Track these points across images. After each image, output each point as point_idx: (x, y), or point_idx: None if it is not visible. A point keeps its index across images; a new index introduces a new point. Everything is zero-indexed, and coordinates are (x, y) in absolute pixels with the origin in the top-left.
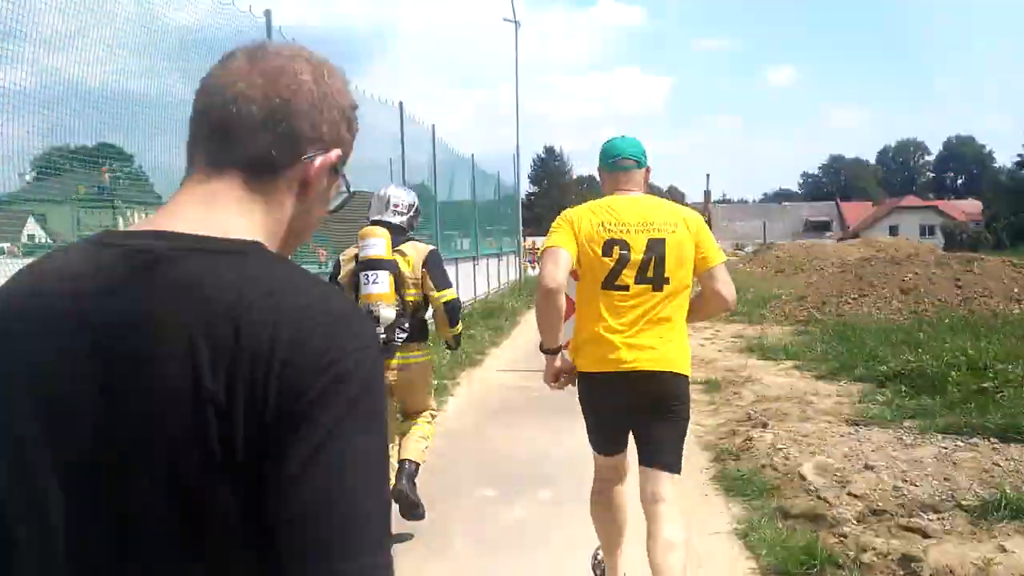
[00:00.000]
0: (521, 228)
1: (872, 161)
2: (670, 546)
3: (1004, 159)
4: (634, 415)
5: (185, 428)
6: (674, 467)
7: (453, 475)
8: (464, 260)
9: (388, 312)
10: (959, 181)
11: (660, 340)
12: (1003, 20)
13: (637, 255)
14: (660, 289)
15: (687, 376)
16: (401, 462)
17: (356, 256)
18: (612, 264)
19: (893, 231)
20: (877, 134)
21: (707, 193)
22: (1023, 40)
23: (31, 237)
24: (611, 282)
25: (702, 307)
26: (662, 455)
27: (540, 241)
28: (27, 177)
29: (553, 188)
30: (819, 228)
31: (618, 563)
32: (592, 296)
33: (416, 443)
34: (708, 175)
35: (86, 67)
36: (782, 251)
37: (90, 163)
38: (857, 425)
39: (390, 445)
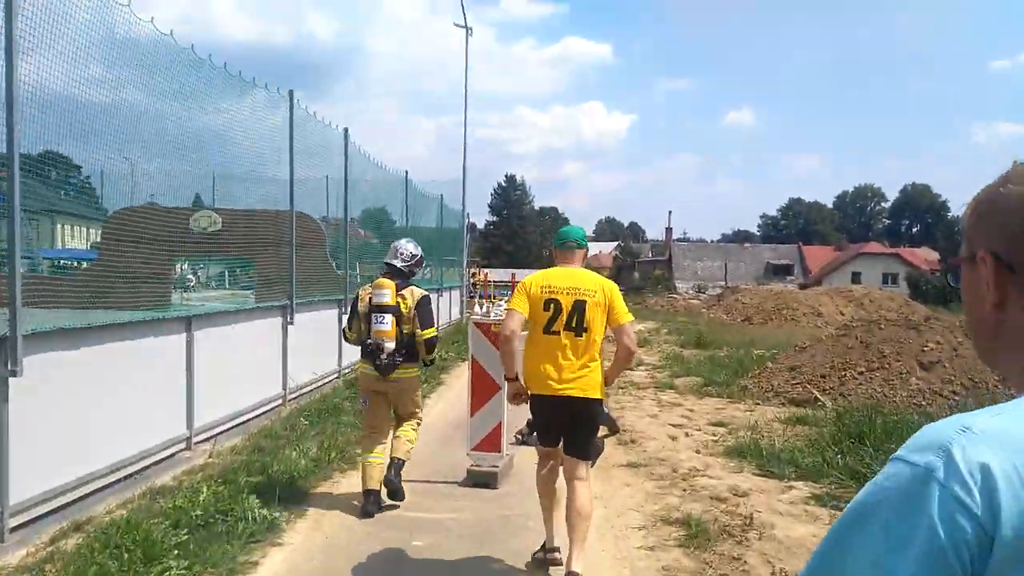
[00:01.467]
0: (466, 259)
1: (830, 205)
2: (581, 507)
3: (958, 209)
4: (563, 422)
5: None
6: (587, 456)
7: None
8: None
9: (390, 344)
10: (914, 229)
11: (581, 374)
12: (960, 70)
13: (565, 310)
14: (580, 336)
15: (600, 398)
16: (392, 459)
17: (370, 297)
18: (549, 316)
19: (856, 278)
20: (835, 179)
21: (668, 230)
22: (981, 94)
23: None
24: (548, 328)
25: (616, 356)
26: (579, 450)
27: (496, 275)
28: None
29: (513, 218)
30: (780, 272)
31: (553, 524)
32: (536, 339)
33: (403, 445)
34: (670, 212)
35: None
36: (748, 296)
37: (31, 172)
38: None
39: (382, 442)
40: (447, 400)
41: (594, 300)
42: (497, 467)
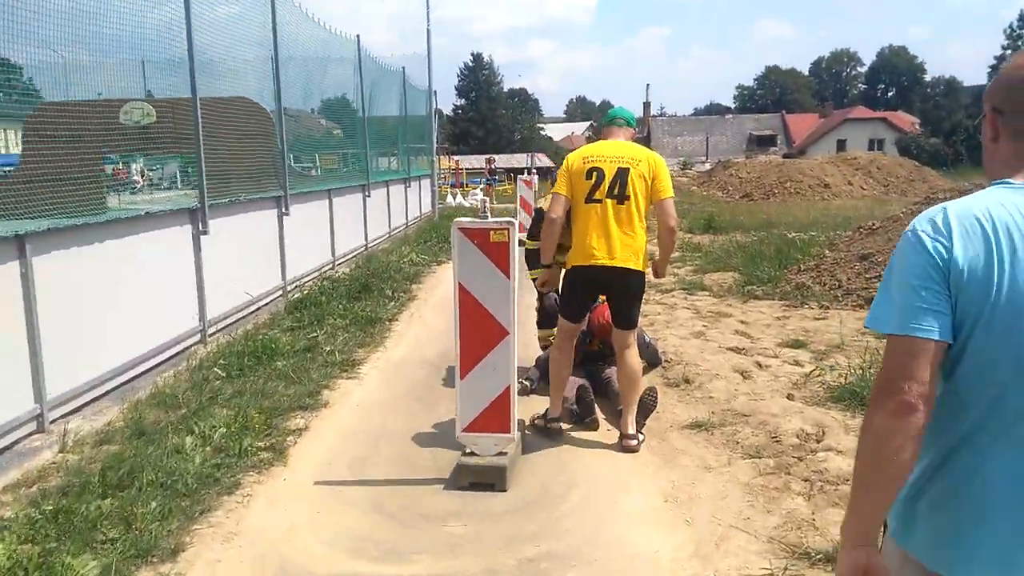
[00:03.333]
0: (435, 144)
1: (806, 73)
2: (632, 372)
3: (936, 70)
4: (602, 293)
5: None
6: (634, 325)
7: None
8: (346, 191)
9: None
10: (890, 93)
11: (623, 245)
12: None
13: (608, 177)
14: (623, 203)
15: (642, 271)
16: None
17: None
18: (591, 184)
19: (841, 145)
20: (810, 45)
21: (646, 105)
22: None
23: None
24: (590, 197)
25: (659, 236)
26: (627, 320)
27: (471, 161)
28: None
29: (482, 100)
30: (764, 143)
31: (561, 396)
32: (579, 212)
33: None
34: (648, 85)
35: None
36: (744, 170)
37: None
38: None
39: None
40: (423, 322)
41: (638, 169)
42: (506, 455)
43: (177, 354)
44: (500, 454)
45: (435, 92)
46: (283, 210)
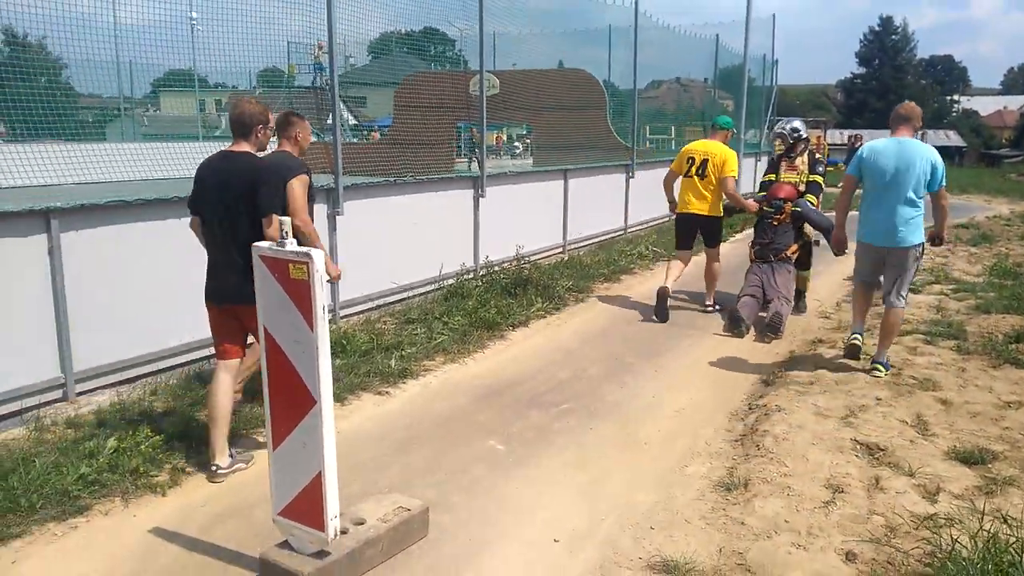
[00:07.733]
0: (767, 117)
1: None
2: (711, 268)
3: None
4: (695, 232)
5: None
6: (713, 245)
7: None
8: (602, 171)
9: None
10: None
11: (700, 200)
12: None
13: (696, 164)
14: (702, 178)
15: (710, 215)
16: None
17: None
18: (687, 166)
19: None
20: None
21: None
22: None
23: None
24: (687, 173)
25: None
26: (711, 244)
27: (863, 136)
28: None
29: (885, 69)
30: None
31: (673, 274)
32: (681, 181)
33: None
34: None
35: None
36: None
37: (413, 48)
38: None
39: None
40: (554, 334)
41: (713, 160)
42: (324, 558)
43: None
44: (318, 554)
45: (775, 61)
46: (478, 191)
